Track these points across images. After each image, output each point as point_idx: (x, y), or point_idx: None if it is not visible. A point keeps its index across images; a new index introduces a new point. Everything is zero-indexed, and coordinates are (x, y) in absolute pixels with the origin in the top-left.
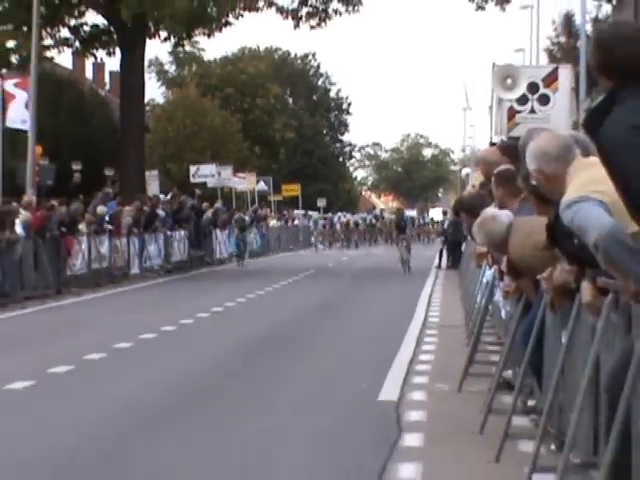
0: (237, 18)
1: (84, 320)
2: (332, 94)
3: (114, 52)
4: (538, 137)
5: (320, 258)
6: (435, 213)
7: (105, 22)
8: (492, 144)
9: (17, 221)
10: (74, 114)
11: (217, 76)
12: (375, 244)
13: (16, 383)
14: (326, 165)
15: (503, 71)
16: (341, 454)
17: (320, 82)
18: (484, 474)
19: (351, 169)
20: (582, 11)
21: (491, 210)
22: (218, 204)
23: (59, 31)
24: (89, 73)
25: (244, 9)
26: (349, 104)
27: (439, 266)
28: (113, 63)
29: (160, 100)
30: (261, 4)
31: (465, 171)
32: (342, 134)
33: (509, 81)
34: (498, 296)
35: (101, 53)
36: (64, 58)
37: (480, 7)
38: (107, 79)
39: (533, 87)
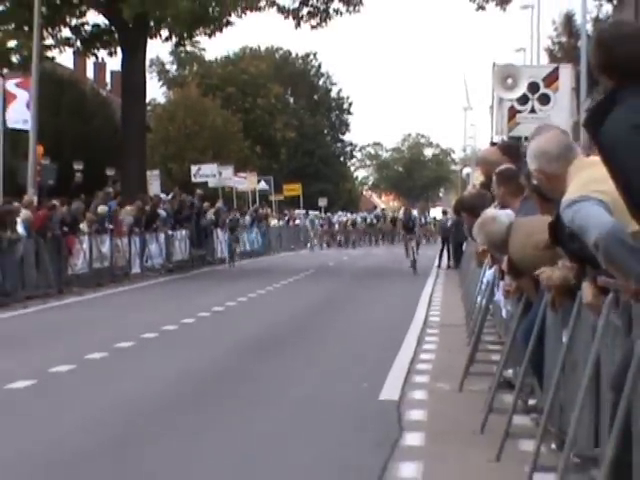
0: (240, 17)
1: (85, 319)
2: (333, 94)
3: (115, 52)
4: (539, 137)
5: (321, 258)
6: (436, 213)
7: (106, 22)
8: (493, 144)
9: (18, 220)
10: (75, 114)
11: (218, 76)
12: (376, 244)
13: (17, 382)
14: (327, 165)
15: (504, 71)
16: (342, 453)
17: (321, 82)
18: (485, 473)
19: (352, 169)
20: (583, 11)
21: (491, 211)
22: (219, 204)
23: (60, 31)
24: (90, 73)
25: (246, 8)
26: (350, 104)
27: (439, 266)
28: (114, 63)
29: (161, 100)
30: (263, 3)
31: (466, 171)
32: (343, 134)
33: (510, 81)
34: (499, 295)
35: (102, 53)
36: (65, 58)
37: (481, 7)
38: (108, 79)
39: (534, 87)
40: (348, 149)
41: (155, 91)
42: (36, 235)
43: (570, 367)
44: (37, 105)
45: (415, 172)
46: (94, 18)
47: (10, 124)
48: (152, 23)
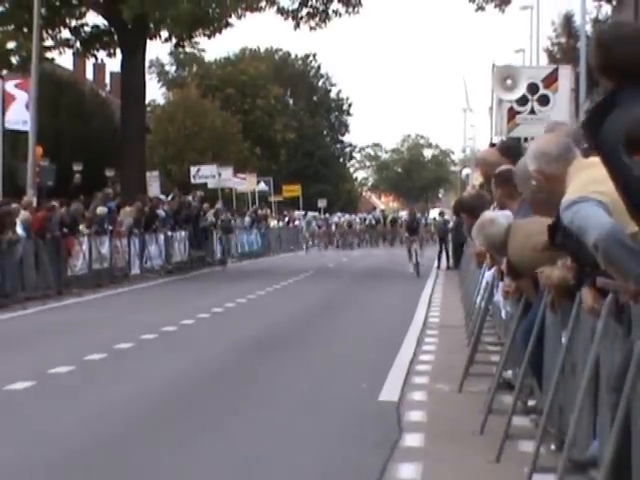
0: (239, 18)
1: (85, 320)
2: (332, 95)
3: (115, 53)
4: (538, 137)
5: (320, 259)
6: (435, 214)
7: (106, 23)
8: (492, 145)
9: (18, 222)
10: (75, 115)
11: (218, 77)
12: (375, 245)
13: (17, 384)
14: (326, 166)
15: (503, 72)
16: (341, 454)
17: (320, 83)
18: (484, 474)
19: (351, 170)
20: (582, 12)
21: (490, 213)
22: (219, 205)
23: (60, 32)
24: (89, 74)
25: (246, 9)
26: (349, 105)
27: (439, 267)
28: (114, 64)
29: (161, 101)
30: (263, 4)
31: (465, 172)
32: (342, 135)
33: (509, 82)
34: (498, 296)
35: (102, 54)
36: (65, 59)
37: (480, 8)
38: (108, 80)
39: (533, 88)
40: (347, 150)
41: (154, 92)
42: (35, 236)
43: (569, 368)
44: (36, 106)
45: (414, 173)
46: (93, 19)
47: (9, 125)
48: (152, 24)
